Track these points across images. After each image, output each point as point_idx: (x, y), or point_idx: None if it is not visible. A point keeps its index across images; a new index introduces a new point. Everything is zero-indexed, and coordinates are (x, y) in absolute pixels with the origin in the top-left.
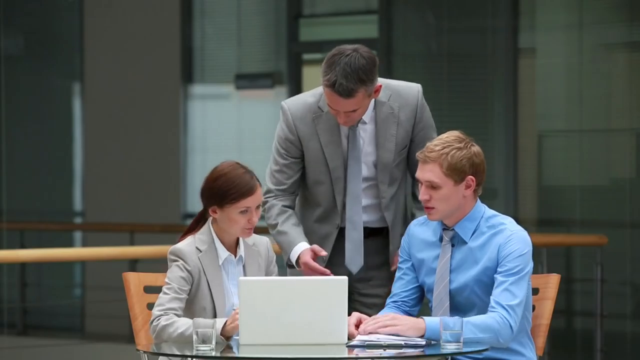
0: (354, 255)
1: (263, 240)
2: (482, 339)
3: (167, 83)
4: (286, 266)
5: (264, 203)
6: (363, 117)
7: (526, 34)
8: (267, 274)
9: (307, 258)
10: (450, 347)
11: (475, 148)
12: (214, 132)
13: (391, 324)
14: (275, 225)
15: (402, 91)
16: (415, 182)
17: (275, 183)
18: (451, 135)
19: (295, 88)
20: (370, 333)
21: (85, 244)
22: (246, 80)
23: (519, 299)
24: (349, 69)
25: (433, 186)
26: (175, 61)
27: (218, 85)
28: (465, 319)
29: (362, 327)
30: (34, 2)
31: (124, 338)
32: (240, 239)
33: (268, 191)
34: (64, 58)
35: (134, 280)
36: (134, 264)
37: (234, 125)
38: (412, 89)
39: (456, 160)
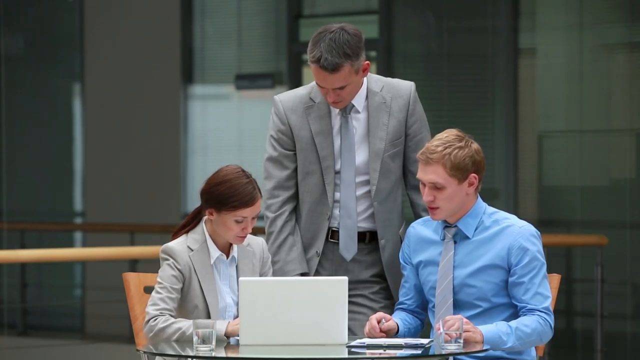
0: (348, 242)
1: (258, 241)
2: (530, 342)
3: (167, 83)
4: None
5: (268, 198)
6: (356, 106)
7: (526, 34)
8: (261, 275)
9: None
10: (450, 347)
11: (475, 145)
12: (214, 132)
13: (470, 329)
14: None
15: (394, 84)
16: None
17: (269, 177)
18: (450, 134)
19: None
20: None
21: (85, 244)
22: (246, 80)
23: (550, 297)
24: (334, 44)
25: (437, 187)
26: (176, 61)
27: (218, 85)
28: (514, 325)
29: (446, 321)
30: (34, 3)
31: (124, 338)
32: None
33: (272, 187)
34: (64, 58)
35: (134, 281)
36: (134, 264)
37: (234, 126)
38: (406, 83)
39: (459, 160)
